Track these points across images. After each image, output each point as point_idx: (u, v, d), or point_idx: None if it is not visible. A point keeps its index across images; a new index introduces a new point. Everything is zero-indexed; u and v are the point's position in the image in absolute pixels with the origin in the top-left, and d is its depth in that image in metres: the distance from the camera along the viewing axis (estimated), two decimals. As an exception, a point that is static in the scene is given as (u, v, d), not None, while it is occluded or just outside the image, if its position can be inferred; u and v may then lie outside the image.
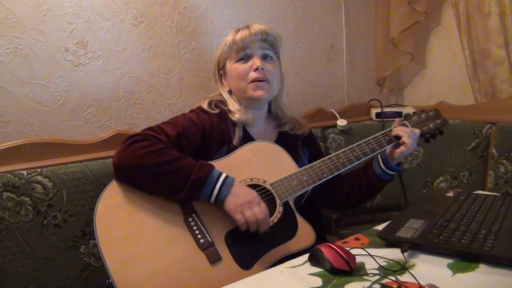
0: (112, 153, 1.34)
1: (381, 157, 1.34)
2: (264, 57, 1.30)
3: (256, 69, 1.26)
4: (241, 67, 1.28)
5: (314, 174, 1.21)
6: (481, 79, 1.86)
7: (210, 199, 1.09)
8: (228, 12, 1.72)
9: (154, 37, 1.55)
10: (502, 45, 1.77)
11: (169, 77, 1.61)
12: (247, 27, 1.30)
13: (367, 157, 1.27)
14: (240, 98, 1.33)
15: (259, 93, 1.27)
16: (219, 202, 1.09)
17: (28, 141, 1.28)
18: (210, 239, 1.08)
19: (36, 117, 1.36)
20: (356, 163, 1.26)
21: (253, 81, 1.27)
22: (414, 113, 1.42)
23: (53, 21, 1.35)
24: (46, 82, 1.36)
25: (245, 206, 1.07)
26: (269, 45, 1.32)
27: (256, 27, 1.29)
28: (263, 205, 1.10)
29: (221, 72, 1.36)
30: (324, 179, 1.21)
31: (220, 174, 1.10)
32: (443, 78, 2.12)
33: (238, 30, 1.30)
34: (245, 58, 1.29)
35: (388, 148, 1.31)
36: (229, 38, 1.29)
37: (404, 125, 1.34)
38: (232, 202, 1.08)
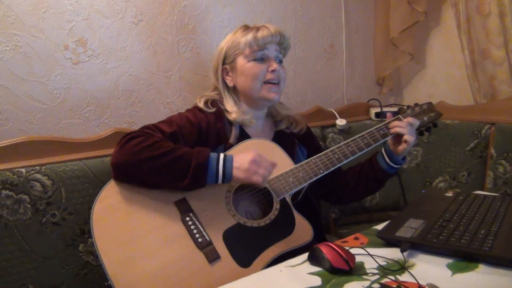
0: (111, 151, 1.33)
1: (385, 151, 1.34)
2: (277, 60, 1.31)
3: (273, 71, 1.28)
4: (258, 67, 1.28)
5: (310, 170, 1.21)
6: (481, 80, 1.86)
7: (218, 180, 1.10)
8: (228, 10, 1.72)
9: (154, 36, 1.55)
10: (502, 45, 1.77)
11: (168, 75, 1.60)
12: (265, 26, 1.29)
13: (362, 152, 1.28)
14: (246, 97, 1.33)
15: (272, 95, 1.29)
16: (227, 179, 1.10)
17: (27, 139, 1.27)
18: (208, 238, 1.08)
19: (35, 115, 1.36)
20: (352, 158, 1.26)
21: (267, 82, 1.28)
22: (407, 106, 1.42)
23: (52, 18, 1.35)
24: (45, 80, 1.36)
25: (253, 166, 1.09)
26: (282, 48, 1.33)
27: (274, 28, 1.30)
28: (263, 155, 1.13)
29: (225, 66, 1.35)
30: (320, 175, 1.22)
31: (218, 154, 1.11)
32: (443, 78, 2.13)
33: (257, 29, 1.29)
34: (262, 59, 1.29)
35: (391, 144, 1.32)
36: (250, 35, 1.28)
37: (398, 119, 1.34)
38: (240, 171, 1.09)
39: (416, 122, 1.31)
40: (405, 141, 1.27)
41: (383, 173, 1.35)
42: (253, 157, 1.10)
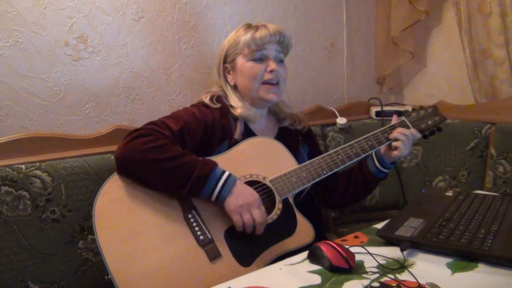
0: (111, 148, 1.34)
1: (375, 155, 1.33)
2: (277, 60, 1.30)
3: (271, 71, 1.27)
4: (256, 67, 1.27)
5: (314, 171, 1.21)
6: (481, 79, 1.86)
7: (211, 198, 1.09)
8: (229, 8, 1.71)
9: (155, 33, 1.55)
10: (503, 45, 1.77)
11: (169, 73, 1.60)
12: (265, 26, 1.29)
13: (366, 154, 1.27)
14: (246, 96, 1.32)
15: (271, 96, 1.29)
16: (220, 201, 1.09)
17: (27, 135, 1.27)
18: (209, 236, 1.08)
19: (35, 111, 1.36)
20: (355, 160, 1.25)
21: (265, 82, 1.28)
22: (413, 109, 1.41)
23: (53, 15, 1.34)
24: (46, 76, 1.36)
25: (244, 208, 1.07)
26: (282, 48, 1.32)
27: (274, 27, 1.29)
28: (262, 209, 1.11)
29: (226, 65, 1.35)
30: (323, 176, 1.21)
31: (223, 172, 1.10)
32: (443, 77, 2.12)
33: (255, 28, 1.28)
34: (260, 59, 1.28)
35: (383, 147, 1.30)
36: (248, 35, 1.27)
37: (404, 124, 1.34)
38: (232, 203, 1.08)
39: (418, 135, 1.30)
40: (395, 148, 1.26)
41: (372, 177, 1.33)
42: (253, 202, 1.08)
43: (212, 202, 1.10)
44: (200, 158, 1.11)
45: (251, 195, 1.10)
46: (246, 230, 1.09)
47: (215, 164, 1.11)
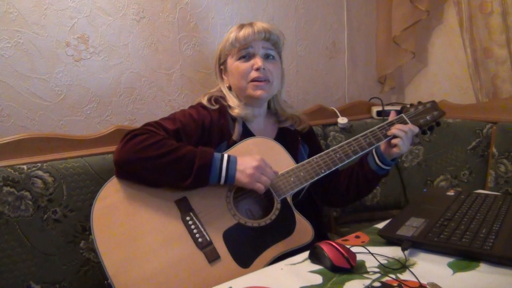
0: (112, 148, 1.34)
1: (376, 152, 1.33)
2: (266, 57, 1.30)
3: (257, 69, 1.26)
4: (242, 65, 1.28)
5: (312, 170, 1.20)
6: (483, 78, 1.86)
7: (220, 181, 1.10)
8: (230, 8, 1.72)
9: (156, 33, 1.55)
10: (504, 44, 1.76)
11: (170, 73, 1.60)
12: (250, 24, 1.29)
13: (365, 151, 1.26)
14: (240, 96, 1.32)
15: (258, 92, 1.27)
16: (230, 180, 1.10)
17: (28, 135, 1.27)
18: (208, 238, 1.07)
19: (37, 112, 1.36)
20: (354, 157, 1.24)
21: (253, 80, 1.27)
22: (411, 105, 1.40)
23: (54, 15, 1.35)
24: (47, 76, 1.36)
25: (256, 174, 1.10)
26: (271, 44, 1.31)
27: (260, 25, 1.28)
28: (268, 164, 1.13)
29: (221, 67, 1.36)
30: (321, 175, 1.21)
31: (222, 155, 1.11)
32: (445, 77, 2.12)
33: (241, 27, 1.29)
34: (247, 57, 1.28)
35: (382, 144, 1.30)
36: (232, 35, 1.28)
37: (402, 120, 1.33)
38: (243, 177, 1.10)
39: (416, 130, 1.29)
40: (395, 145, 1.26)
41: (373, 174, 1.33)
42: (258, 163, 1.10)
43: (208, 200, 1.11)
44: (197, 148, 1.12)
45: (254, 159, 1.11)
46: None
47: (212, 150, 1.12)
